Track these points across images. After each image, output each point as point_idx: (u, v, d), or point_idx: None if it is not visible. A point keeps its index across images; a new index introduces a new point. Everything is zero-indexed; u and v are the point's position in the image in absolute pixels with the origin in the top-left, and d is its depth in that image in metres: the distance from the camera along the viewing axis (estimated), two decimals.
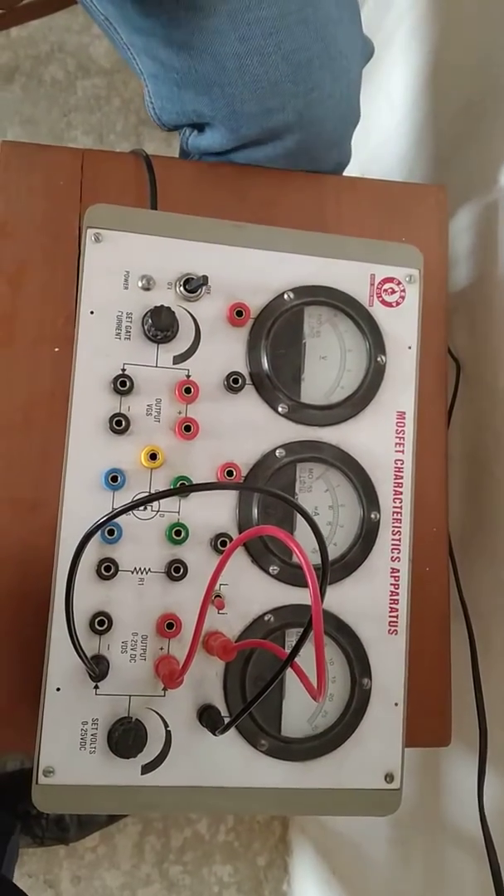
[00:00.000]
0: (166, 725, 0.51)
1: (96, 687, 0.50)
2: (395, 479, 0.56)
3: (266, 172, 0.64)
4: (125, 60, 0.68)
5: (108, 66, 1.30)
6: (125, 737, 0.49)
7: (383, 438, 0.56)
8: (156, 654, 0.51)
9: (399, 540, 0.55)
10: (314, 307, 0.56)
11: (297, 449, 0.54)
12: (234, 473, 0.53)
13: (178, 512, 0.52)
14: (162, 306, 0.51)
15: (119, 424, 0.51)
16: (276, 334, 0.54)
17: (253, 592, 0.53)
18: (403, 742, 0.54)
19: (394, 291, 0.57)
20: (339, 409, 0.55)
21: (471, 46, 0.78)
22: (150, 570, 0.52)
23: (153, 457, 0.51)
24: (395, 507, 0.55)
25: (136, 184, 0.61)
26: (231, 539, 0.52)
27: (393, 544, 0.55)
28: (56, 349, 0.58)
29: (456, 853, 0.71)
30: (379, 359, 0.56)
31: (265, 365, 0.54)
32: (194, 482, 0.52)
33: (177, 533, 0.52)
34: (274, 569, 0.53)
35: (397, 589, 0.55)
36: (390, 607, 0.55)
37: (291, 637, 0.53)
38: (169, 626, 0.51)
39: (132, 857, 1.23)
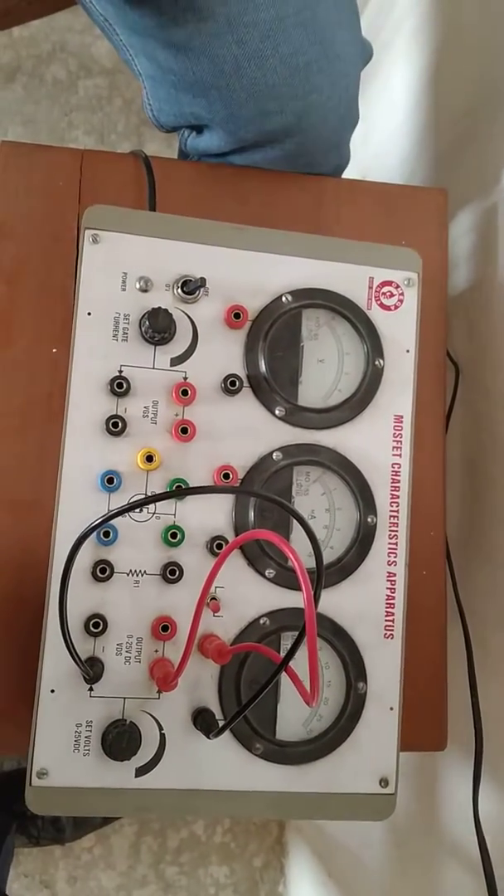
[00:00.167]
0: (161, 728, 0.51)
1: (91, 689, 0.50)
2: (392, 482, 0.55)
3: (265, 174, 0.64)
4: (124, 61, 0.68)
5: (109, 66, 1.30)
6: (119, 739, 0.49)
7: (381, 442, 0.55)
8: (150, 656, 0.51)
9: (396, 544, 0.55)
10: (312, 310, 0.56)
11: (294, 452, 0.54)
12: (231, 476, 0.53)
13: (174, 514, 0.52)
14: (159, 308, 0.51)
15: (115, 426, 0.51)
16: (273, 337, 0.54)
17: (248, 595, 0.53)
18: (398, 747, 0.54)
19: (392, 295, 0.56)
20: (336, 413, 0.55)
21: (472, 49, 0.78)
22: (145, 572, 0.52)
23: (150, 459, 0.51)
24: (391, 510, 0.55)
25: (136, 185, 0.61)
26: (227, 542, 0.52)
27: (389, 548, 0.55)
28: (54, 350, 0.58)
29: (451, 858, 0.71)
30: (377, 362, 0.56)
31: (262, 367, 0.54)
32: (191, 485, 0.52)
33: (172, 535, 0.52)
34: (270, 572, 0.53)
35: (393, 593, 0.55)
36: (386, 611, 0.55)
37: (287, 641, 0.53)
38: (164, 628, 0.51)
39: (128, 858, 1.23)
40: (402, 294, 0.57)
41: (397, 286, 0.57)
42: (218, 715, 0.51)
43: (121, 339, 0.52)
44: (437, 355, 0.64)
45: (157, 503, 0.52)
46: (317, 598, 0.39)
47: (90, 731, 0.50)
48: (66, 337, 0.54)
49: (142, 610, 0.51)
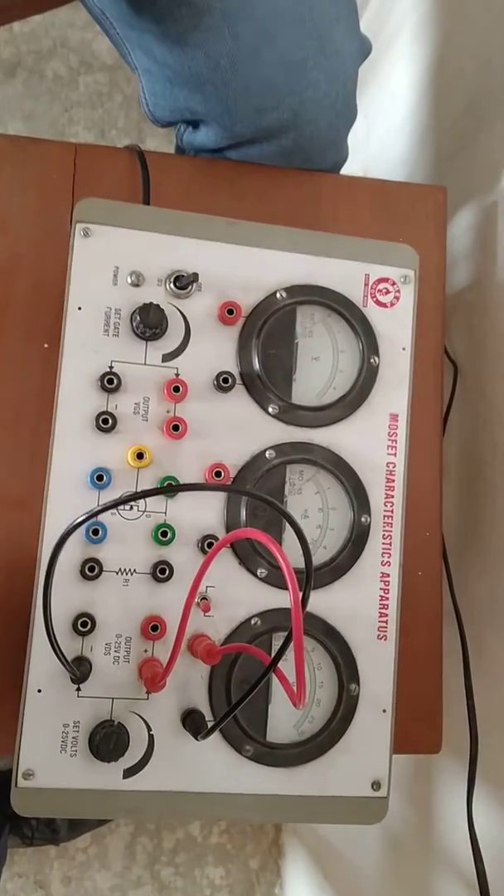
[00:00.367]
0: (149, 729, 0.50)
1: (78, 689, 0.49)
2: (386, 482, 0.55)
3: (262, 170, 0.63)
4: (121, 55, 0.67)
5: (110, 61, 1.29)
6: (106, 740, 0.48)
7: (375, 441, 0.55)
8: (140, 656, 0.50)
9: (390, 544, 0.54)
10: (307, 307, 0.55)
11: (288, 450, 0.53)
12: (223, 474, 0.52)
13: (165, 512, 0.51)
14: (151, 303, 0.50)
15: (106, 423, 0.51)
16: (267, 334, 0.54)
17: (240, 595, 0.52)
18: (391, 749, 0.53)
19: (388, 292, 0.56)
20: (330, 411, 0.54)
21: (473, 47, 0.77)
22: (135, 570, 0.51)
23: (140, 456, 0.51)
24: (386, 510, 0.54)
25: (130, 179, 0.61)
26: (218, 541, 0.51)
27: (383, 548, 0.54)
28: (45, 345, 0.57)
29: (445, 861, 0.70)
30: (372, 360, 0.55)
31: (256, 365, 0.53)
32: (182, 482, 0.51)
33: (163, 534, 0.51)
34: (262, 571, 0.52)
35: (387, 594, 0.54)
36: (380, 612, 0.54)
37: (278, 641, 0.53)
38: (153, 628, 0.50)
39: (124, 859, 1.22)
40: (398, 291, 0.56)
41: (393, 283, 0.56)
42: (208, 716, 0.51)
43: (112, 334, 0.52)
44: (434, 354, 0.63)
45: (148, 501, 0.51)
46: (305, 599, 0.38)
47: (77, 731, 0.49)
48: (58, 332, 0.53)
49: (131, 609, 0.51)
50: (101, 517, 0.50)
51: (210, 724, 0.48)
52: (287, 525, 0.53)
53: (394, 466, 0.55)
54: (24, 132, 1.26)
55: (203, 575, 0.43)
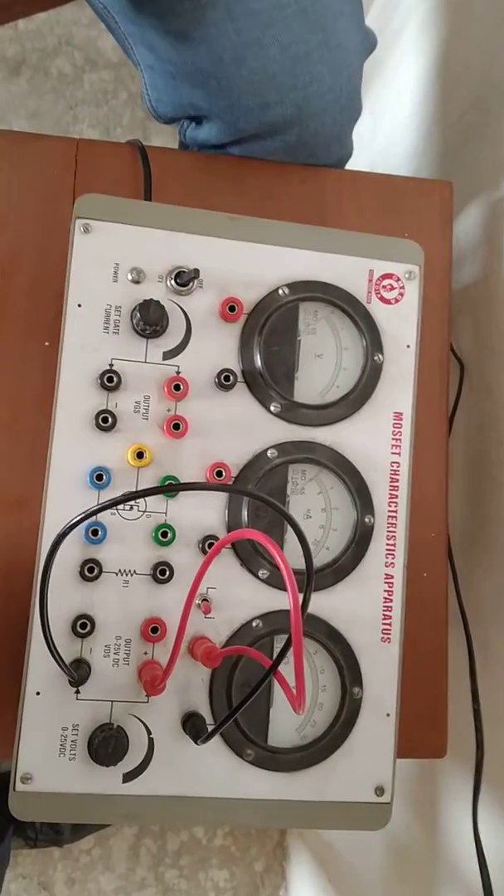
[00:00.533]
0: (149, 733, 0.49)
1: (77, 692, 0.48)
2: (390, 481, 0.54)
3: (265, 165, 0.62)
4: (123, 51, 0.66)
5: (115, 59, 1.28)
6: (105, 744, 0.47)
7: (379, 440, 0.54)
8: (139, 658, 0.50)
9: (394, 545, 0.53)
10: (310, 303, 0.54)
11: (290, 449, 0.52)
12: (224, 474, 0.51)
13: (165, 513, 0.51)
14: (151, 300, 0.50)
15: (105, 421, 0.50)
16: (269, 331, 0.53)
17: (241, 597, 0.51)
18: (395, 754, 0.52)
19: (393, 288, 0.55)
20: (333, 409, 0.53)
21: (480, 41, 0.76)
22: (135, 571, 0.50)
23: (140, 455, 0.50)
24: (390, 510, 0.54)
25: (132, 175, 0.60)
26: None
27: (387, 549, 0.53)
28: (46, 343, 0.57)
29: (450, 868, 0.69)
30: (376, 357, 0.54)
31: (258, 362, 0.52)
32: (182, 482, 0.51)
33: (163, 534, 0.50)
34: (263, 573, 0.51)
35: (391, 595, 0.53)
36: (383, 614, 0.53)
37: (280, 643, 0.52)
38: (153, 629, 0.49)
39: (127, 860, 1.22)
40: (402, 287, 0.55)
41: (398, 279, 0.55)
42: (208, 719, 0.50)
43: (112, 331, 0.51)
44: (440, 352, 0.62)
45: (148, 501, 0.50)
46: (306, 601, 0.37)
47: (76, 734, 0.48)
48: (58, 330, 0.52)
49: (131, 611, 0.50)
50: (100, 517, 0.50)
51: (210, 728, 0.48)
52: (289, 526, 0.52)
53: (398, 466, 0.54)
54: (28, 130, 1.26)
55: (203, 576, 0.42)
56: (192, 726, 0.49)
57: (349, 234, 0.55)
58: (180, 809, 0.50)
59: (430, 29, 0.88)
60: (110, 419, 0.50)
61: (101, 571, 0.49)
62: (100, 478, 0.49)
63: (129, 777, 0.49)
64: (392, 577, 0.53)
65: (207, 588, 0.51)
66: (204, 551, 0.51)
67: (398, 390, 0.54)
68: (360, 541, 0.53)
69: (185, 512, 0.51)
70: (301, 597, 0.36)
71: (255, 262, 0.53)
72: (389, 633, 0.53)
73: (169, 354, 0.52)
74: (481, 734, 0.59)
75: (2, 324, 0.57)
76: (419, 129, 0.90)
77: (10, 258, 0.58)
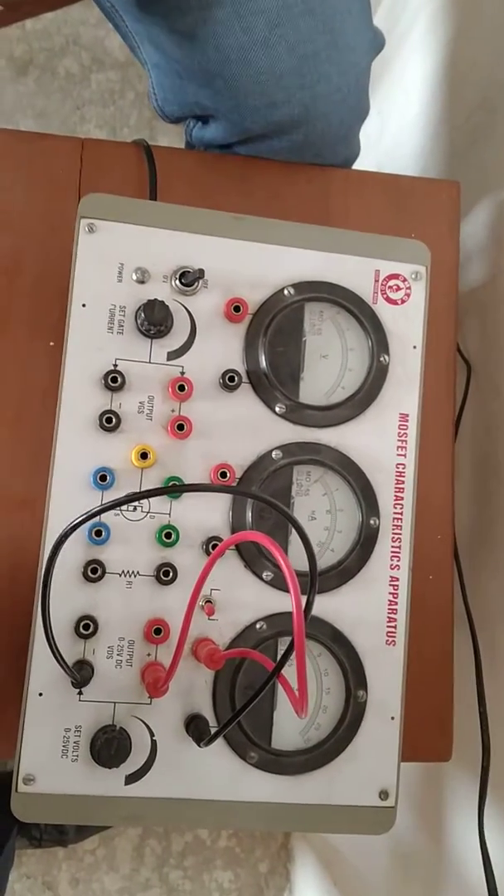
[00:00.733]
0: (152, 735, 0.49)
1: (80, 693, 0.48)
2: (396, 483, 0.53)
3: (271, 165, 0.62)
4: (130, 49, 0.66)
5: (122, 59, 1.28)
6: (107, 745, 0.47)
7: (385, 441, 0.53)
8: (142, 660, 0.49)
9: (399, 547, 0.53)
10: (315, 303, 0.54)
11: (295, 451, 0.52)
12: (228, 475, 0.51)
13: (169, 514, 0.50)
14: (155, 300, 0.49)
15: (109, 422, 0.50)
16: (275, 331, 0.52)
17: (245, 599, 0.51)
18: (399, 758, 0.52)
19: (399, 288, 0.54)
20: (339, 410, 0.53)
21: (488, 42, 0.76)
22: (138, 573, 0.50)
23: (144, 456, 0.49)
24: (395, 512, 0.53)
25: (137, 174, 0.60)
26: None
27: (393, 551, 0.53)
28: (51, 343, 0.57)
29: (455, 873, 0.69)
30: (382, 358, 0.54)
31: (263, 363, 0.52)
32: (186, 483, 0.50)
33: (167, 535, 0.50)
34: (268, 574, 0.51)
35: (396, 598, 0.53)
36: (388, 617, 0.53)
37: (284, 646, 0.51)
38: (157, 631, 0.49)
39: (132, 861, 1.22)
40: (409, 288, 0.55)
41: (404, 279, 0.54)
42: (212, 722, 0.50)
43: (116, 331, 0.51)
44: (447, 353, 0.62)
45: (152, 502, 0.50)
46: (309, 604, 0.37)
47: (79, 736, 0.48)
48: (63, 330, 0.52)
49: (134, 612, 0.50)
50: (104, 518, 0.50)
51: (214, 731, 0.47)
52: (293, 528, 0.52)
53: (404, 467, 0.54)
54: (35, 130, 1.26)
55: (206, 578, 0.42)
56: (195, 728, 0.48)
57: (355, 235, 0.55)
58: (183, 812, 0.49)
59: (437, 29, 0.87)
60: (114, 419, 0.50)
61: (104, 572, 0.49)
62: (103, 478, 0.49)
63: (131, 779, 0.49)
64: (397, 579, 0.53)
65: (211, 590, 0.50)
66: (208, 553, 0.50)
67: (404, 391, 0.54)
68: (365, 543, 0.52)
69: (189, 513, 0.51)
70: (304, 599, 0.36)
71: (260, 262, 0.53)
72: (394, 636, 0.53)
73: (173, 355, 0.51)
74: (487, 738, 0.58)
75: (6, 323, 0.57)
76: (426, 129, 0.90)
77: (15, 257, 0.58)
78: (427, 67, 0.90)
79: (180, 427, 0.50)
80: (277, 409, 0.52)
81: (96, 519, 0.49)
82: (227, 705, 0.50)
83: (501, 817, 0.61)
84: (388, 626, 0.53)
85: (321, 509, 0.53)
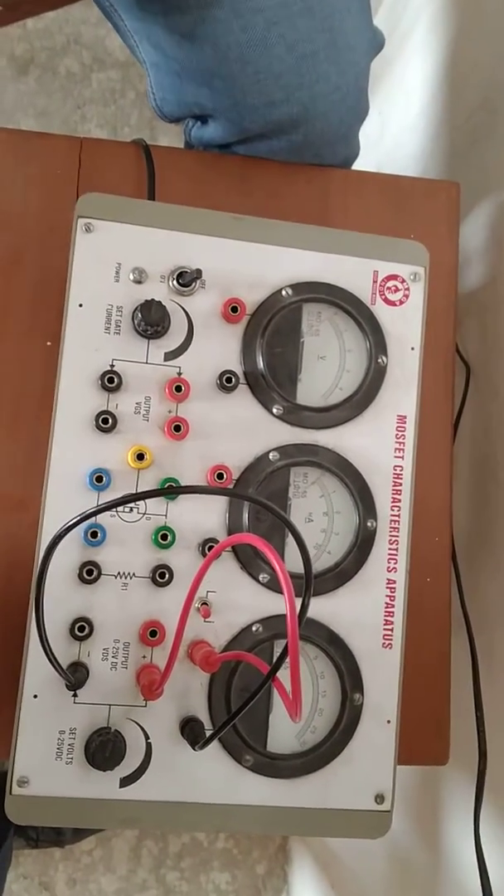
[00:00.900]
0: (147, 737, 0.49)
1: (75, 695, 0.48)
2: (393, 485, 0.53)
3: (270, 164, 0.62)
4: (129, 48, 0.66)
5: (123, 58, 1.28)
6: (102, 748, 0.47)
7: (382, 443, 0.53)
8: (138, 662, 0.49)
9: (396, 549, 0.53)
10: (313, 304, 0.53)
11: (292, 452, 0.52)
12: (225, 476, 0.51)
13: (165, 515, 0.50)
14: (153, 300, 0.49)
15: (106, 422, 0.49)
16: (272, 332, 0.52)
17: (241, 601, 0.51)
18: (395, 762, 0.52)
19: (397, 290, 0.54)
20: (336, 412, 0.53)
21: (489, 42, 0.75)
22: (134, 574, 0.50)
23: (140, 457, 0.49)
24: (392, 515, 0.53)
25: (136, 174, 0.60)
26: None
27: (390, 554, 0.53)
28: (48, 343, 0.56)
29: (451, 877, 0.68)
30: (380, 360, 0.53)
31: (260, 364, 0.52)
32: (183, 484, 0.50)
33: (163, 537, 0.50)
34: (264, 577, 0.51)
35: (393, 601, 0.52)
36: (385, 619, 0.52)
37: (280, 648, 0.51)
38: (152, 633, 0.49)
39: (129, 862, 1.21)
40: (407, 289, 0.54)
41: (403, 281, 0.54)
42: (207, 725, 0.49)
43: (113, 332, 0.50)
44: (445, 354, 0.62)
45: (148, 503, 0.50)
46: (305, 607, 0.36)
47: (73, 738, 0.48)
48: (60, 330, 0.52)
49: (130, 614, 0.49)
50: (100, 519, 0.49)
51: (209, 733, 0.47)
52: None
53: (401, 469, 0.53)
54: (36, 129, 1.26)
55: (201, 580, 0.41)
56: (191, 731, 0.48)
57: (354, 235, 0.55)
58: (178, 815, 0.49)
59: (438, 29, 0.87)
60: (111, 420, 0.49)
61: (100, 574, 0.49)
62: (100, 479, 0.49)
63: (126, 782, 0.48)
64: (394, 581, 0.53)
65: (207, 591, 0.50)
66: (204, 554, 0.50)
67: (402, 393, 0.54)
68: (362, 545, 0.52)
69: (186, 514, 0.50)
70: (299, 602, 0.36)
71: (258, 263, 0.52)
72: (391, 639, 0.52)
73: (170, 355, 0.51)
74: (484, 742, 0.58)
75: (4, 323, 0.56)
76: (427, 130, 0.90)
77: (13, 257, 0.57)
78: (428, 68, 0.89)
79: (177, 428, 0.50)
80: (275, 410, 0.52)
81: (92, 520, 0.48)
82: (223, 708, 0.49)
83: (497, 821, 0.61)
84: (385, 629, 0.52)
85: (318, 511, 0.52)
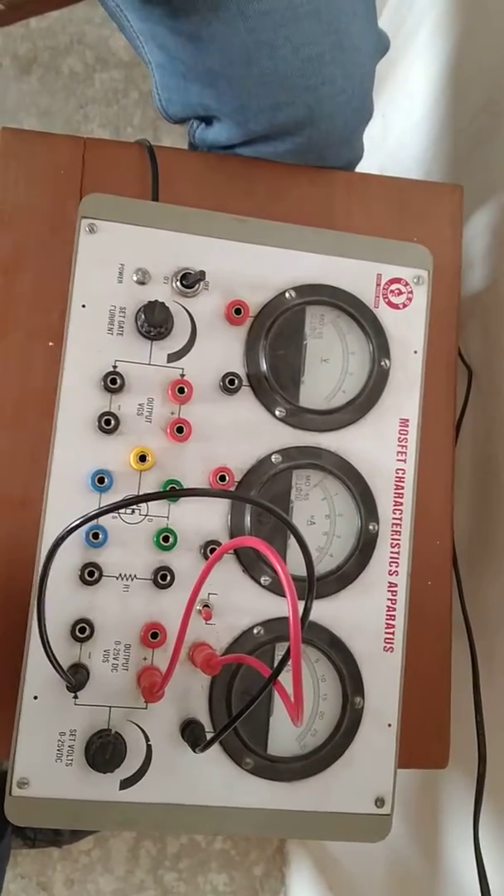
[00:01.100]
0: (147, 739, 0.49)
1: (75, 697, 0.48)
2: (395, 488, 0.53)
3: (274, 166, 0.62)
4: (134, 49, 0.66)
5: (126, 58, 1.28)
6: (102, 750, 0.47)
7: (385, 446, 0.53)
8: (139, 664, 0.49)
9: (398, 553, 0.53)
10: (317, 307, 0.53)
11: (294, 455, 0.52)
12: (227, 478, 0.51)
13: (167, 517, 0.50)
14: (156, 301, 0.49)
15: (108, 424, 0.49)
16: (275, 334, 0.52)
17: (243, 603, 0.51)
18: (396, 765, 0.52)
19: (401, 293, 0.54)
20: (339, 415, 0.53)
21: (492, 45, 0.75)
22: (135, 576, 0.50)
23: (143, 458, 0.49)
24: (394, 518, 0.53)
25: (140, 175, 0.60)
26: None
27: (391, 557, 0.53)
28: (50, 343, 0.56)
29: (451, 882, 0.68)
30: (383, 363, 0.53)
31: (263, 366, 0.52)
32: (185, 486, 0.50)
33: (165, 539, 0.50)
34: (265, 579, 0.51)
35: (394, 604, 0.52)
36: (386, 623, 0.52)
37: (282, 651, 0.51)
38: (153, 635, 0.49)
39: (127, 863, 1.21)
40: (411, 292, 0.54)
41: (406, 284, 0.54)
42: (208, 727, 0.49)
43: (116, 333, 0.50)
44: (448, 357, 0.62)
45: (150, 505, 0.50)
46: (307, 610, 0.36)
47: (73, 740, 0.48)
48: (62, 330, 0.52)
49: (131, 616, 0.49)
50: (101, 521, 0.49)
51: (210, 736, 0.47)
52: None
53: (403, 473, 0.53)
54: (39, 129, 1.26)
55: (203, 582, 0.41)
56: (191, 734, 0.48)
57: (357, 238, 0.55)
58: (178, 817, 0.49)
59: (442, 31, 0.87)
60: (113, 421, 0.49)
61: (101, 575, 0.49)
62: (101, 480, 0.49)
63: (126, 784, 0.48)
64: (396, 585, 0.53)
65: (209, 594, 0.50)
66: (206, 556, 0.50)
67: (404, 396, 0.54)
68: (364, 548, 0.52)
69: (188, 516, 0.50)
70: (302, 605, 0.35)
71: (261, 265, 0.52)
72: (392, 643, 0.52)
73: (173, 357, 0.51)
74: (484, 745, 0.58)
75: (6, 323, 0.56)
76: (430, 132, 0.89)
77: (16, 257, 0.57)
78: (431, 70, 0.89)
79: (179, 430, 0.50)
80: (277, 412, 0.52)
81: (94, 521, 0.48)
82: (224, 711, 0.49)
83: (497, 825, 0.61)
84: (387, 633, 0.52)
85: (320, 514, 0.52)
